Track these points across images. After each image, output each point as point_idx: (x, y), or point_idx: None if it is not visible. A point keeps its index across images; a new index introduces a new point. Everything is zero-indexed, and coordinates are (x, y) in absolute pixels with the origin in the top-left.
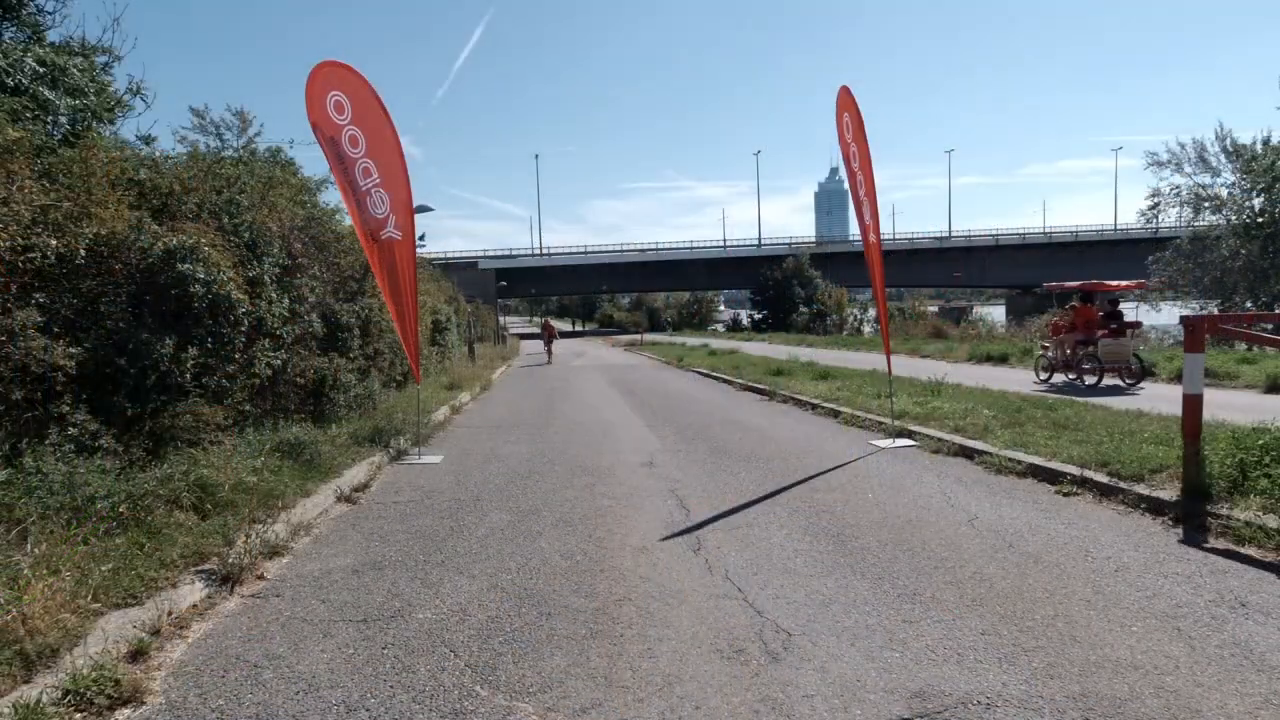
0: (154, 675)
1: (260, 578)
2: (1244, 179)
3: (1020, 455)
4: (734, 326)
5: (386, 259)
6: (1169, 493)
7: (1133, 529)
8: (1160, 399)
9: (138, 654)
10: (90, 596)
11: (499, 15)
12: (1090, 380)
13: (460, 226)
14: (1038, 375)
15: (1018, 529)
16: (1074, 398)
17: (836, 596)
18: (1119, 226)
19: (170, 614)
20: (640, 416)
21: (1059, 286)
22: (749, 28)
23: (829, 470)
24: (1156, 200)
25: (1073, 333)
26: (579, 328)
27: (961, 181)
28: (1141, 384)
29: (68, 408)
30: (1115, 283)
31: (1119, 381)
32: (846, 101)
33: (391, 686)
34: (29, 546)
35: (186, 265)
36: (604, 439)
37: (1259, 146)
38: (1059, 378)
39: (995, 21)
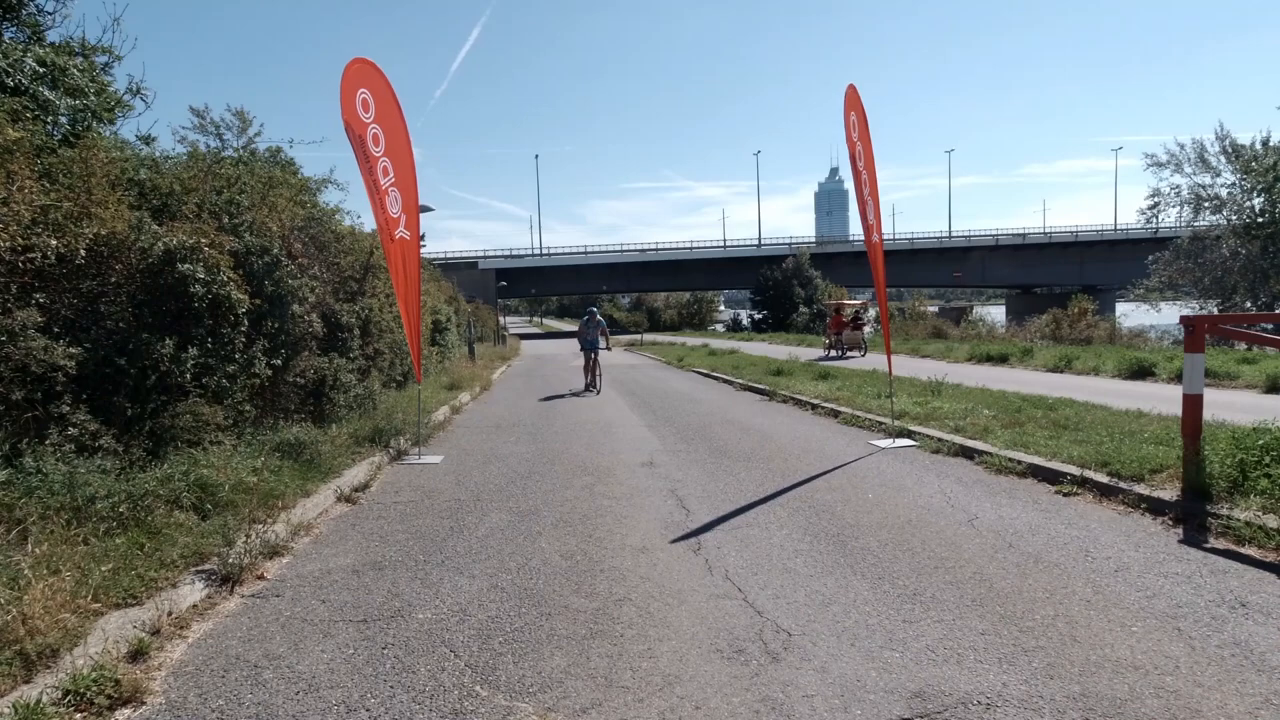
0: (154, 675)
1: (260, 578)
2: (1244, 179)
3: (1020, 455)
4: (734, 326)
5: (396, 259)
6: (1169, 493)
7: (1133, 529)
8: (874, 362)
9: (138, 654)
10: (90, 596)
11: (496, 15)
12: (841, 351)
13: (460, 227)
14: (824, 350)
15: (1018, 529)
16: (860, 366)
17: (836, 597)
18: (1119, 226)
19: (170, 614)
20: (640, 416)
21: (831, 303)
22: (748, 27)
23: (829, 470)
24: (1156, 200)
25: (832, 328)
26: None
27: (961, 181)
28: (865, 355)
29: (68, 408)
30: (850, 301)
31: (856, 353)
32: (854, 100)
33: (391, 686)
34: (29, 546)
35: (186, 265)
36: (604, 439)
37: (1259, 146)
38: (833, 353)
39: (995, 22)
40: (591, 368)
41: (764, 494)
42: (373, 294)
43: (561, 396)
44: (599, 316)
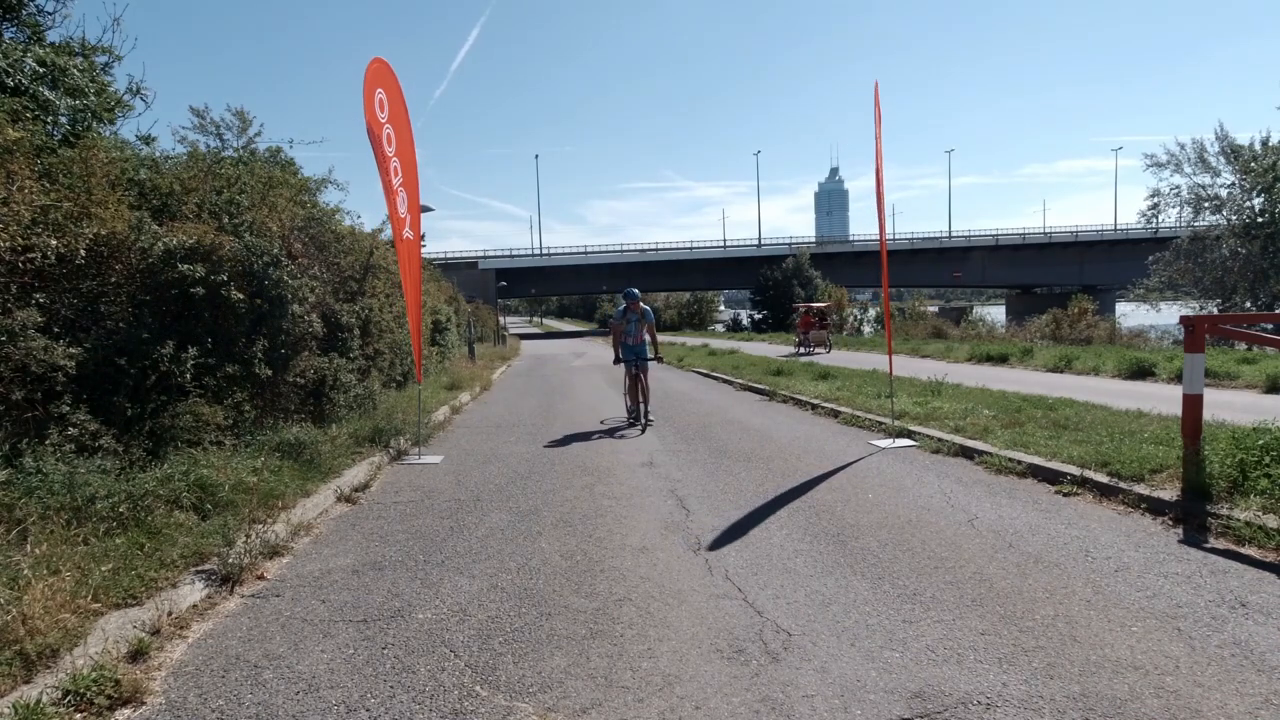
0: (154, 675)
1: (260, 578)
2: (1243, 179)
3: (1020, 455)
4: (734, 326)
5: (403, 258)
6: (1169, 493)
7: (1133, 529)
8: (840, 359)
9: (138, 654)
10: (90, 596)
11: (496, 15)
12: (808, 349)
13: (460, 227)
14: (795, 347)
15: (1018, 529)
16: (843, 365)
17: (836, 597)
18: (1119, 226)
19: (170, 614)
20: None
21: (800, 305)
22: (747, 27)
23: (829, 470)
24: (1156, 200)
25: (800, 327)
26: (579, 328)
27: (961, 181)
28: (830, 351)
29: (68, 408)
30: (819, 304)
31: (823, 349)
32: (877, 97)
33: (391, 686)
34: (29, 546)
35: (186, 265)
36: (604, 439)
37: (1258, 146)
38: (801, 349)
39: (994, 22)
40: (635, 388)
41: (764, 494)
42: (373, 294)
43: (590, 437)
44: (643, 304)
